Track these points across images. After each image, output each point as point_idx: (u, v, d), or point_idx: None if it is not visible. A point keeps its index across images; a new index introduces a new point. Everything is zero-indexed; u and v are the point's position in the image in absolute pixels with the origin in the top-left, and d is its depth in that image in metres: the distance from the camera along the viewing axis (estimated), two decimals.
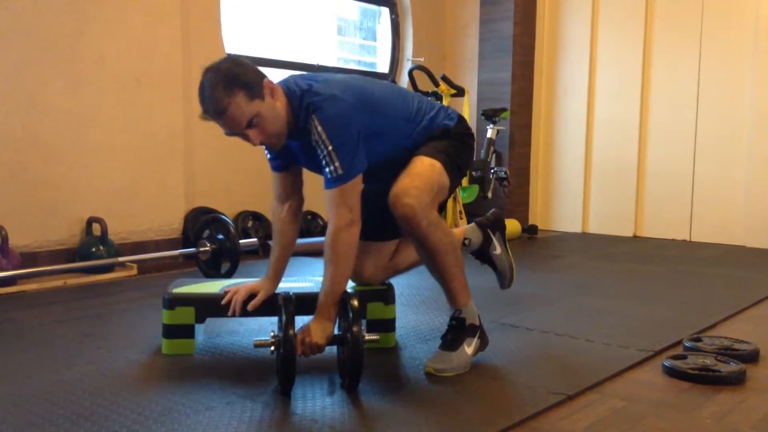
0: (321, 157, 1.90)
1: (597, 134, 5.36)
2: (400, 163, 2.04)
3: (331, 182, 1.91)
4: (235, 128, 1.88)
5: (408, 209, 1.92)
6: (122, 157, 3.76)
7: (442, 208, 2.27)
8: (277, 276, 2.16)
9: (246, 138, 1.92)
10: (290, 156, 2.11)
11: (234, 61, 1.92)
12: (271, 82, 1.91)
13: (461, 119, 2.21)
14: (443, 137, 2.13)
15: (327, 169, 1.90)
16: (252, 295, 2.11)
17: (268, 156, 2.15)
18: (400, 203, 1.93)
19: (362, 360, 1.79)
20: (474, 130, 5.66)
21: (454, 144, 2.13)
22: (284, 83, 1.99)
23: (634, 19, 5.10)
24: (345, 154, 1.90)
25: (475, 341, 2.07)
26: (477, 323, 2.09)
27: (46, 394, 1.81)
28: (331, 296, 1.92)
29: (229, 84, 1.83)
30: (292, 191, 2.18)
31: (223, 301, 2.11)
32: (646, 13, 5.06)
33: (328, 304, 1.92)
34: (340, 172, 1.89)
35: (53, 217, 3.50)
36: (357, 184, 1.94)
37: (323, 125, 1.89)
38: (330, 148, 1.88)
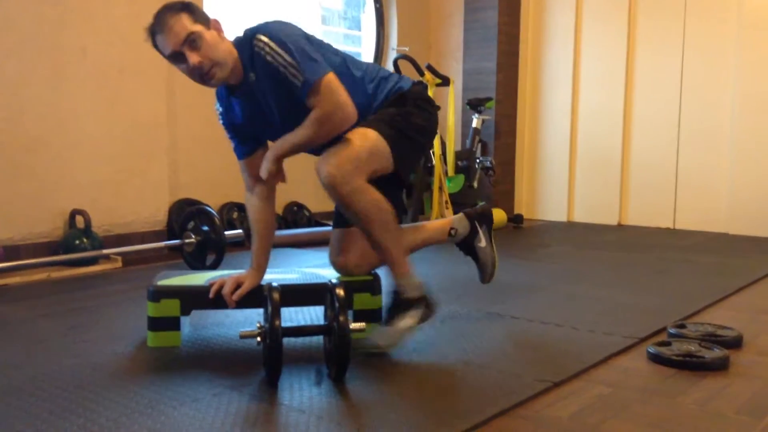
0: (283, 73, 1.90)
1: (582, 124, 5.38)
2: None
3: (305, 87, 1.91)
4: (174, 44, 1.91)
5: (329, 178, 1.92)
6: (105, 149, 3.73)
7: (409, 189, 2.26)
8: (261, 266, 2.16)
9: (183, 60, 1.92)
10: (252, 137, 2.12)
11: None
12: (220, 25, 1.98)
13: (416, 84, 2.21)
14: (394, 104, 2.12)
15: (295, 82, 1.90)
16: (238, 287, 2.10)
17: (233, 144, 2.18)
18: (322, 173, 1.93)
19: (348, 349, 1.79)
20: (459, 120, 5.69)
21: (405, 109, 2.12)
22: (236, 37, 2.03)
23: (618, 9, 5.12)
24: (303, 56, 1.91)
25: (418, 312, 2.04)
26: (420, 294, 2.05)
27: (32, 388, 1.79)
28: (292, 146, 1.96)
29: (177, 8, 1.93)
30: (259, 178, 2.16)
31: (211, 294, 2.10)
32: (630, 4, 5.07)
33: (282, 146, 1.96)
34: (306, 75, 1.89)
35: (36, 209, 3.47)
36: (333, 79, 1.93)
37: (271, 37, 1.92)
38: (286, 56, 1.89)
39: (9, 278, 3.16)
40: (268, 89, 1.99)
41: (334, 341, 1.81)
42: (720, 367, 1.96)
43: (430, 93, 4.53)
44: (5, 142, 3.35)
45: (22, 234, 3.42)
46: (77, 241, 3.47)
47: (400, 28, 5.54)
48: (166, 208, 4.02)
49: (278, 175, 2.02)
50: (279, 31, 1.94)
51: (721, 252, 4.06)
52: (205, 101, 4.04)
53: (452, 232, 2.36)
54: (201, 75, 1.95)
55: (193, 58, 1.91)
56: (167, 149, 4.00)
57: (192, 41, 1.91)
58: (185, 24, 1.90)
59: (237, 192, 4.30)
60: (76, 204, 3.58)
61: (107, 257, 3.55)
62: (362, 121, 2.07)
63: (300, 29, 2.02)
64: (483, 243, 2.39)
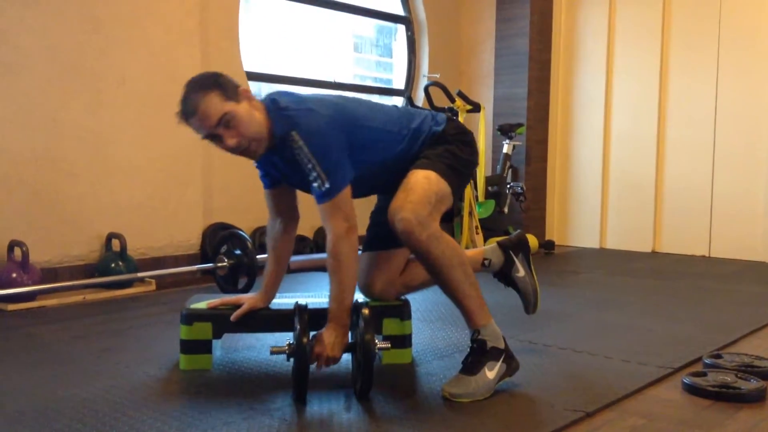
0: (306, 171, 1.92)
1: (614, 149, 5.34)
2: (400, 172, 2.05)
3: (322, 197, 1.93)
4: (207, 126, 1.90)
5: (405, 223, 1.91)
6: (142, 174, 3.80)
7: (451, 218, 2.26)
8: (268, 292, 2.20)
9: (220, 141, 1.92)
10: (278, 173, 2.13)
11: (214, 72, 1.97)
12: (248, 91, 1.96)
13: (450, 121, 2.20)
14: (437, 143, 2.13)
15: (315, 184, 1.92)
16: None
17: (260, 173, 2.19)
18: (397, 218, 1.92)
19: (372, 365, 1.81)
20: (490, 146, 5.69)
21: (449, 147, 2.12)
22: (263, 100, 2.03)
23: (650, 33, 5.10)
24: (330, 166, 1.92)
25: (498, 365, 1.95)
26: (501, 346, 1.98)
27: (66, 410, 1.82)
28: (342, 304, 1.94)
29: (204, 86, 1.90)
30: (285, 208, 2.20)
31: (208, 305, 2.18)
32: (663, 27, 5.05)
33: (340, 312, 1.94)
34: (327, 185, 1.91)
35: (73, 233, 3.54)
36: (347, 194, 1.95)
37: (304, 140, 1.91)
38: (314, 161, 1.90)
39: (46, 300, 3.23)
40: (290, 166, 2.01)
41: (360, 358, 1.82)
42: (757, 398, 1.92)
43: (461, 119, 4.57)
44: (45, 167, 3.44)
45: (60, 257, 3.50)
46: (113, 264, 3.54)
47: (431, 55, 5.58)
48: (200, 232, 4.07)
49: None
50: (314, 134, 1.92)
51: (758, 281, 3.97)
52: None
53: (486, 262, 2.32)
54: (240, 153, 1.97)
55: (230, 140, 1.91)
56: (202, 174, 4.07)
57: (226, 122, 1.89)
58: (217, 106, 1.88)
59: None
60: (112, 228, 3.65)
61: (142, 280, 3.61)
62: (417, 159, 2.09)
63: (332, 114, 1.98)
64: (521, 272, 2.33)
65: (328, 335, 1.92)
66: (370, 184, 2.13)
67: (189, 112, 1.90)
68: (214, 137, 1.93)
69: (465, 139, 2.19)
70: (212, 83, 1.90)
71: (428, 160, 2.08)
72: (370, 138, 2.06)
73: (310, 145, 1.91)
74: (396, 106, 2.26)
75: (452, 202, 2.12)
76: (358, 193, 2.06)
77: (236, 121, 1.90)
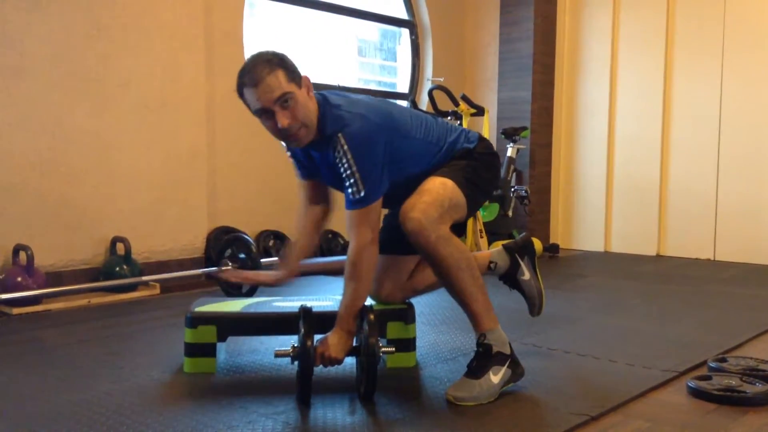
0: (344, 175, 1.92)
1: (618, 152, 5.34)
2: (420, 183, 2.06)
3: (354, 204, 1.93)
4: (266, 100, 1.86)
5: (415, 223, 1.91)
6: (146, 178, 3.81)
7: (462, 231, 2.25)
8: (291, 266, 2.22)
9: (272, 119, 1.89)
10: (314, 167, 2.13)
11: (280, 52, 1.95)
12: (309, 80, 1.96)
13: (482, 140, 2.21)
14: (462, 157, 2.14)
15: (350, 190, 1.92)
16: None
17: (294, 163, 2.19)
18: (407, 218, 1.93)
19: (376, 368, 1.82)
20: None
21: (473, 163, 2.13)
22: (317, 93, 2.02)
23: (654, 35, 5.10)
24: (369, 176, 1.91)
25: (503, 370, 1.95)
26: (507, 351, 1.98)
27: (70, 413, 1.82)
28: (351, 310, 1.95)
29: (272, 62, 1.88)
30: (320, 198, 2.21)
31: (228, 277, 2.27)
32: (667, 30, 5.05)
33: (347, 317, 1.95)
34: (362, 194, 1.91)
35: (78, 237, 3.55)
36: (378, 205, 1.96)
37: (349, 144, 1.90)
38: (354, 168, 1.90)
39: (50, 304, 3.23)
40: (327, 166, 2.02)
41: (364, 362, 1.83)
42: (762, 402, 1.91)
43: (465, 122, 4.57)
44: (50, 171, 3.45)
45: (65, 261, 3.50)
46: (117, 268, 3.54)
47: (435, 59, 5.59)
48: (204, 236, 4.08)
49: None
50: (361, 140, 1.91)
51: (763, 284, 3.96)
52: (244, 131, 4.12)
53: (491, 265, 2.32)
54: (287, 136, 1.93)
55: (283, 120, 1.88)
56: (206, 178, 4.07)
57: (285, 101, 1.87)
58: (281, 82, 1.86)
59: (273, 220, 4.35)
60: (117, 231, 3.66)
61: (146, 284, 3.61)
62: (434, 172, 2.09)
63: (381, 122, 1.98)
64: (527, 275, 2.33)
65: (333, 338, 1.93)
66: (400, 193, 2.06)
67: (252, 82, 1.86)
68: (266, 112, 1.90)
69: (490, 160, 2.21)
70: (279, 61, 1.90)
71: (448, 169, 2.09)
72: (411, 149, 2.07)
73: (353, 150, 1.90)
74: (434, 117, 2.25)
75: (465, 214, 2.11)
76: (387, 204, 2.05)
77: (294, 102, 1.88)
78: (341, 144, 1.90)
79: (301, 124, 1.91)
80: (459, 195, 2.04)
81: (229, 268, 2.24)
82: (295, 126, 1.91)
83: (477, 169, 2.14)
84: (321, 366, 1.93)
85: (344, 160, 1.91)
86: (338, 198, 2.15)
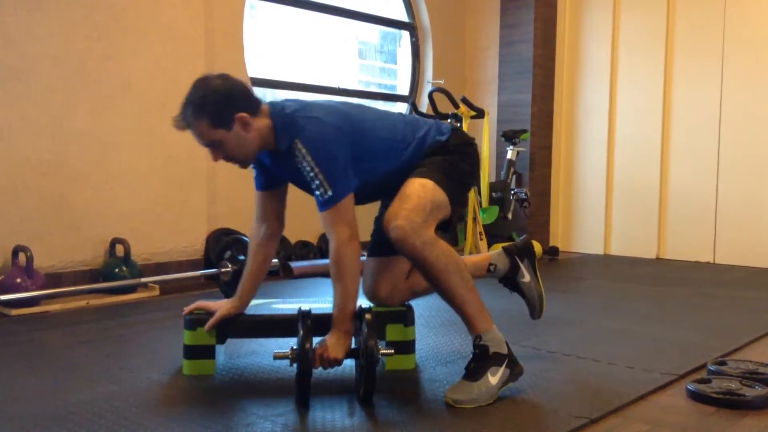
0: (309, 178, 1.94)
1: (618, 155, 5.34)
2: (403, 180, 2.06)
3: (324, 204, 1.95)
4: (199, 141, 1.98)
5: (399, 231, 1.91)
6: (146, 180, 3.81)
7: (448, 226, 2.24)
8: (243, 297, 2.19)
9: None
10: (272, 176, 2.14)
11: (220, 84, 1.95)
12: (245, 117, 1.94)
13: (455, 131, 2.20)
14: (438, 152, 2.13)
15: (317, 192, 1.94)
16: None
17: (254, 173, 2.19)
18: (391, 226, 1.93)
19: (375, 370, 1.81)
20: (494, 152, 5.69)
21: (449, 157, 2.12)
22: (272, 104, 2.04)
23: (654, 38, 5.10)
24: (332, 175, 1.93)
25: (501, 371, 1.94)
26: (504, 351, 1.97)
27: (69, 414, 1.82)
28: (345, 310, 1.95)
29: (199, 109, 1.93)
30: (271, 214, 2.20)
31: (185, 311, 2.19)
32: (667, 33, 5.05)
33: (343, 318, 1.95)
34: (330, 193, 1.92)
35: (78, 238, 3.55)
36: (349, 201, 1.97)
37: (307, 147, 1.93)
38: (317, 170, 1.92)
39: (50, 305, 3.23)
40: (293, 172, 2.02)
41: (362, 364, 1.83)
42: (762, 405, 1.91)
43: (465, 125, 4.57)
44: (50, 172, 3.45)
45: (64, 262, 3.50)
46: (117, 270, 3.54)
47: (435, 62, 5.59)
48: (204, 238, 4.07)
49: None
50: (317, 142, 1.94)
51: (762, 287, 3.96)
52: None
53: (491, 268, 2.32)
54: (231, 161, 2.03)
55: (215, 157, 2.00)
56: (206, 180, 4.07)
57: (213, 146, 1.97)
58: (204, 132, 1.94)
59: None
60: (116, 233, 3.66)
61: (145, 285, 3.61)
62: (418, 167, 2.09)
63: (339, 123, 2.00)
64: (526, 278, 2.33)
65: (331, 339, 1.93)
66: (372, 191, 2.14)
67: (180, 126, 1.98)
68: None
69: (467, 150, 2.19)
70: (206, 110, 1.92)
71: (426, 168, 2.08)
72: (374, 147, 2.07)
73: (312, 152, 1.92)
74: (402, 114, 2.26)
75: (449, 211, 2.11)
76: (361, 201, 2.08)
77: (223, 146, 1.97)
78: (299, 149, 1.93)
79: (237, 160, 2.01)
80: (440, 194, 2.03)
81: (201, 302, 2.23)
82: (231, 159, 2.01)
83: (454, 162, 2.12)
84: (321, 368, 1.93)
85: (305, 164, 1.93)
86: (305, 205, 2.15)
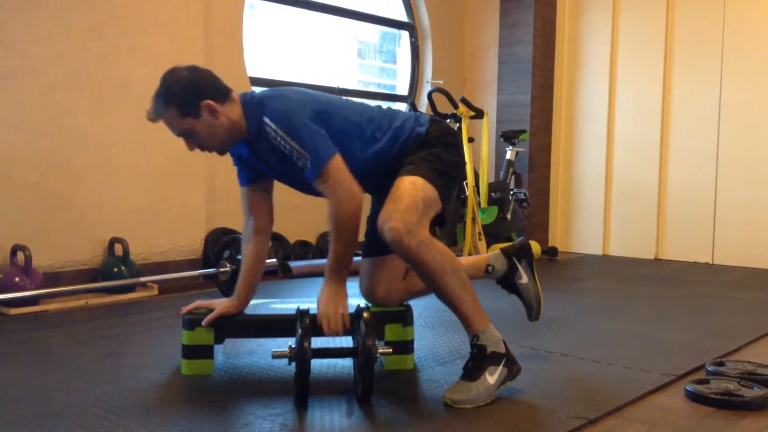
0: (287, 153, 1.96)
1: (617, 156, 5.34)
2: (386, 173, 2.07)
3: (310, 173, 1.95)
4: (172, 131, 2.05)
5: (394, 232, 1.91)
6: (145, 179, 3.81)
7: (442, 220, 2.23)
8: (242, 296, 2.19)
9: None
10: (253, 169, 2.15)
11: (185, 75, 2.01)
12: (212, 105, 1.98)
13: (433, 121, 2.19)
14: (421, 146, 2.12)
15: (299, 163, 1.96)
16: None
17: (237, 169, 2.22)
18: (386, 228, 1.92)
19: (374, 370, 1.81)
20: (493, 152, 5.69)
21: (434, 150, 2.11)
22: (244, 93, 2.09)
23: (654, 39, 5.10)
24: (307, 141, 1.95)
25: (499, 370, 1.93)
26: (501, 350, 1.96)
27: (67, 414, 1.82)
28: (338, 265, 1.97)
29: (167, 100, 1.99)
30: (258, 209, 2.21)
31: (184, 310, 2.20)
32: (666, 34, 5.06)
33: (338, 267, 1.98)
34: (310, 159, 1.94)
35: (77, 237, 3.55)
36: (337, 163, 1.97)
37: (276, 122, 1.96)
38: (291, 142, 1.94)
39: (48, 304, 3.23)
40: (272, 156, 2.04)
41: (361, 363, 1.82)
42: (760, 406, 1.91)
43: (464, 125, 4.57)
44: (48, 171, 3.45)
45: (62, 261, 3.50)
46: (115, 269, 3.54)
47: (435, 62, 5.59)
48: (203, 237, 4.07)
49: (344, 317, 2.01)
50: (282, 115, 1.97)
51: (761, 288, 3.96)
52: None
53: (489, 269, 2.31)
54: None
55: (190, 146, 2.07)
56: (204, 179, 4.07)
57: (186, 135, 2.03)
58: (174, 122, 2.01)
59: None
60: (115, 232, 3.66)
61: (144, 285, 3.61)
62: (403, 165, 2.08)
63: (305, 99, 2.04)
64: (524, 279, 2.32)
65: (325, 293, 1.97)
66: (362, 180, 2.08)
67: (151, 118, 2.04)
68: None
69: (449, 140, 2.18)
70: (174, 100, 1.98)
71: (413, 165, 2.07)
72: (344, 129, 2.07)
73: (281, 125, 1.95)
74: (379, 107, 2.24)
75: (441, 206, 2.10)
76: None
77: (195, 134, 2.02)
78: (269, 126, 1.96)
79: (210, 147, 2.06)
80: (430, 190, 2.03)
81: (201, 301, 2.23)
82: (206, 148, 2.06)
83: (438, 155, 2.11)
84: (328, 333, 1.95)
85: (278, 139, 1.95)
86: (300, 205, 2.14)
